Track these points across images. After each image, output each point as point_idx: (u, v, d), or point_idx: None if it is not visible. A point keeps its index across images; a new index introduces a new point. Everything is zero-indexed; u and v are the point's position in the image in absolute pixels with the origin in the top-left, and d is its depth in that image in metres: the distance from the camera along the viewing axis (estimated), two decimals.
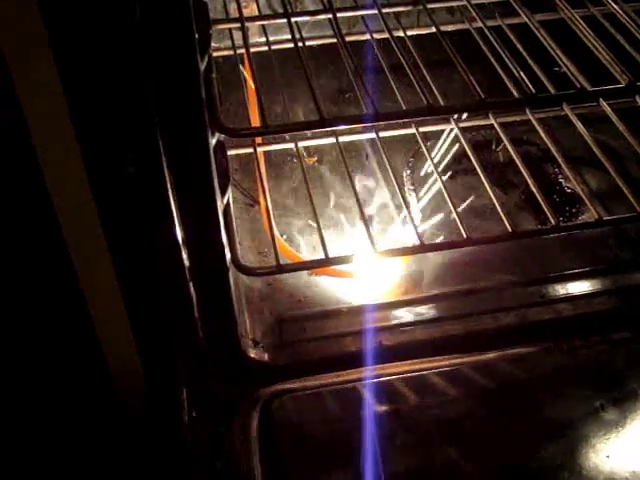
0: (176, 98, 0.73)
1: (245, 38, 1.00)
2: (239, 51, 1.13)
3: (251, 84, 1.13)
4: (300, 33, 1.13)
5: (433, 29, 1.07)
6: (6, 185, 0.72)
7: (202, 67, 0.75)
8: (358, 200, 1.04)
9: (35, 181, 0.69)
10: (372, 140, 1.26)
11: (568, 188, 1.35)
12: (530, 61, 1.11)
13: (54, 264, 0.78)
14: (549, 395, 1.01)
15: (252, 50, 1.00)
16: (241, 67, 1.14)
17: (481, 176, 1.07)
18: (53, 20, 0.61)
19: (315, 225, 1.00)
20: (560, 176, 1.37)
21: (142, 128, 0.72)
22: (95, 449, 0.95)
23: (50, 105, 0.66)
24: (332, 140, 1.19)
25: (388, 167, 1.09)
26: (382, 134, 1.18)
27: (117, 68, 0.67)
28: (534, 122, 1.15)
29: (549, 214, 1.00)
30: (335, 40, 1.06)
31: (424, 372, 1.04)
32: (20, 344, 0.87)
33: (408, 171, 1.36)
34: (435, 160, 1.17)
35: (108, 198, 0.74)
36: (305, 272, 1.19)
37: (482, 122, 1.26)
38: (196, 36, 0.70)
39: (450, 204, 1.02)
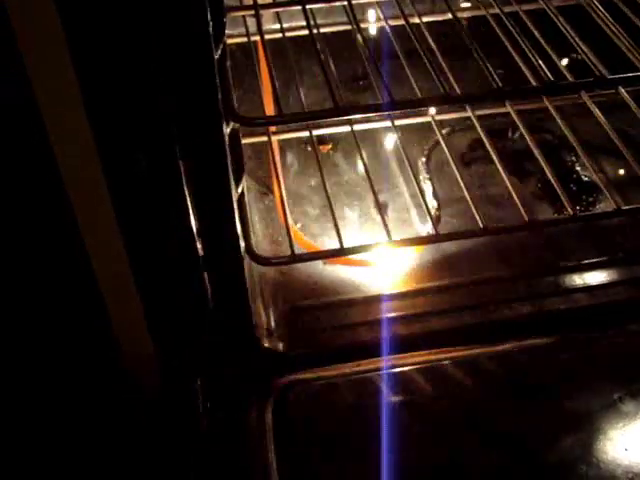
0: (190, 87, 0.72)
1: (259, 26, 0.99)
2: (253, 38, 1.13)
3: (265, 72, 1.12)
4: (314, 20, 1.12)
5: (449, 15, 1.06)
6: (20, 174, 0.72)
7: (217, 56, 0.75)
8: (373, 188, 1.03)
9: (50, 175, 0.69)
10: (387, 128, 1.25)
11: (585, 176, 1.33)
12: (547, 47, 1.10)
13: (69, 255, 0.78)
14: (566, 387, 1.00)
15: (266, 37, 1.00)
16: (255, 54, 1.13)
17: (497, 164, 1.06)
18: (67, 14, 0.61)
19: (329, 213, 1.00)
20: (577, 164, 1.36)
21: (156, 118, 0.72)
22: (110, 442, 0.95)
23: (63, 90, 0.66)
24: (347, 128, 1.18)
25: (403, 155, 1.08)
26: (397, 122, 1.17)
27: (131, 57, 0.66)
28: (551, 110, 1.14)
29: (566, 203, 0.99)
30: (349, 27, 1.05)
31: (440, 362, 1.04)
32: (38, 331, 0.87)
33: (423, 159, 1.35)
34: (451, 148, 1.16)
35: (122, 188, 0.74)
36: (319, 261, 1.18)
37: (498, 110, 1.25)
38: (211, 24, 0.70)
39: (466, 193, 1.01)
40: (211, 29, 0.70)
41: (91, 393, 0.94)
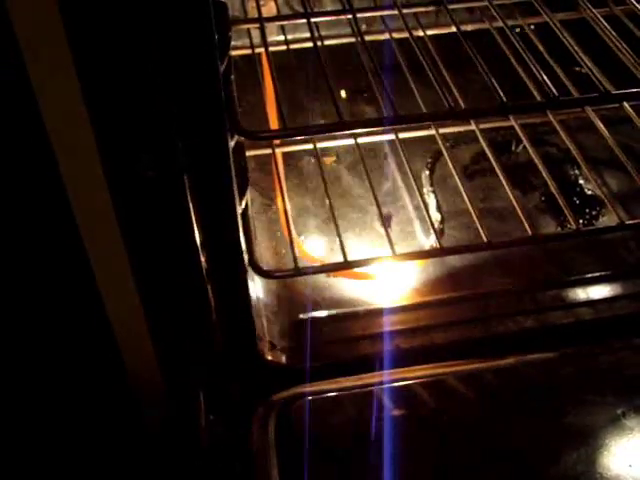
0: (195, 100, 0.72)
1: (264, 38, 0.99)
2: (257, 50, 1.13)
3: (269, 84, 1.12)
4: (319, 32, 1.12)
5: (453, 29, 1.07)
6: (25, 186, 0.72)
7: (222, 69, 0.75)
8: (377, 201, 1.03)
9: (55, 185, 0.69)
10: (391, 141, 1.25)
11: (589, 190, 1.33)
12: (551, 61, 1.10)
13: (73, 269, 0.78)
14: (569, 401, 1.00)
15: (270, 49, 1.00)
16: (259, 66, 1.13)
17: (500, 177, 1.06)
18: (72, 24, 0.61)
19: (333, 226, 0.99)
20: (580, 178, 1.36)
21: (161, 131, 0.72)
22: (113, 454, 0.95)
23: (69, 109, 0.66)
24: (351, 141, 1.19)
25: (407, 168, 1.08)
26: (401, 135, 1.17)
27: (137, 70, 0.66)
28: (555, 123, 1.14)
29: (570, 217, 0.99)
30: (354, 39, 1.06)
31: (442, 376, 1.04)
32: (43, 348, 0.87)
33: (427, 172, 1.35)
34: (454, 161, 1.16)
35: (127, 201, 0.74)
36: (323, 274, 1.18)
37: (502, 123, 1.25)
38: (216, 37, 0.70)
39: (469, 206, 1.01)
40: (216, 42, 0.70)
41: (92, 404, 0.94)
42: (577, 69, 1.12)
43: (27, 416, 0.94)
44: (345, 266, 0.94)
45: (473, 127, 1.16)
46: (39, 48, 0.62)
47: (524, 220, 0.98)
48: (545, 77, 0.97)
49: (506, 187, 1.04)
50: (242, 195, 0.90)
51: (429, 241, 1.23)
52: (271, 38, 1.20)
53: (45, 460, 0.95)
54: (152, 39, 0.65)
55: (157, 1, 0.64)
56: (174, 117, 0.71)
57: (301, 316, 1.13)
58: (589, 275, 1.19)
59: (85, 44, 0.62)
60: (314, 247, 1.24)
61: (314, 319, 1.12)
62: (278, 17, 1.14)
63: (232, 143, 0.83)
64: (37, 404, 0.92)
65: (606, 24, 1.08)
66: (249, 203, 0.95)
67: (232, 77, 0.86)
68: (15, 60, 0.61)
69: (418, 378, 1.03)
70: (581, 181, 1.35)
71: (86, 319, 0.83)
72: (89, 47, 0.63)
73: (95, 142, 0.69)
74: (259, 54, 1.12)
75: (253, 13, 1.08)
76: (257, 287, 1.12)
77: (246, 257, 0.92)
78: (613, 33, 1.06)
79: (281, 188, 1.08)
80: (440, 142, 1.15)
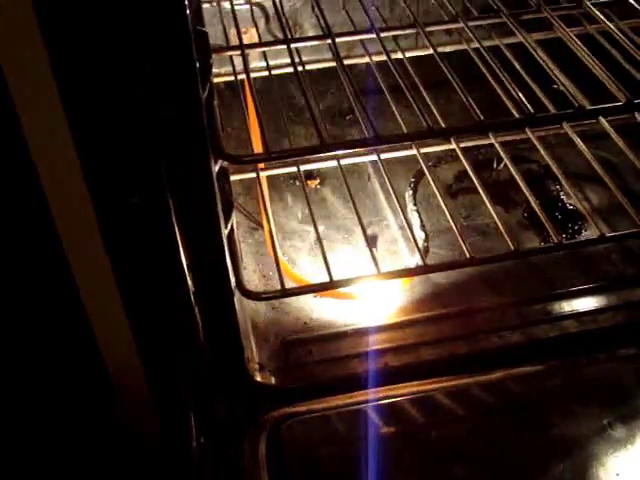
0: (178, 127, 0.74)
1: (246, 64, 1.01)
2: (240, 76, 1.14)
3: (252, 109, 1.14)
4: (300, 57, 1.14)
5: (431, 50, 1.08)
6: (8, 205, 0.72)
7: (204, 95, 0.76)
8: (361, 222, 1.05)
9: (39, 210, 0.70)
10: (374, 162, 1.27)
11: (570, 205, 1.35)
12: (528, 80, 1.12)
13: (60, 293, 0.78)
14: (556, 414, 1.01)
15: (252, 75, 1.01)
16: (242, 92, 1.15)
17: (482, 195, 1.08)
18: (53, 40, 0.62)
19: (319, 247, 1.01)
20: (562, 193, 1.38)
21: (145, 157, 0.73)
22: (103, 475, 0.95)
23: (52, 132, 0.67)
24: (334, 163, 1.20)
25: (390, 188, 1.10)
26: (383, 156, 1.19)
27: (119, 98, 0.67)
28: (534, 140, 1.16)
29: (551, 232, 1.00)
30: (334, 64, 1.07)
31: (430, 393, 1.04)
32: (28, 365, 0.88)
33: (410, 192, 1.37)
34: (437, 180, 1.17)
35: (112, 226, 0.75)
36: (310, 295, 1.19)
37: (482, 142, 1.26)
38: (197, 65, 0.71)
39: (452, 223, 1.02)
40: (198, 69, 0.71)
41: (78, 425, 0.94)
42: (554, 87, 1.14)
43: (13, 436, 0.94)
44: (331, 286, 0.95)
45: (454, 146, 1.18)
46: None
47: (506, 236, 1.00)
48: (521, 95, 0.99)
49: (488, 204, 1.05)
50: (227, 218, 0.91)
51: (414, 260, 1.24)
52: (253, 64, 1.22)
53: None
54: (134, 67, 0.66)
55: (139, 29, 0.65)
56: (157, 143, 0.73)
57: (289, 337, 1.14)
58: (573, 289, 1.20)
59: (67, 65, 0.64)
60: (300, 269, 1.25)
61: (303, 340, 1.13)
62: (259, 44, 1.16)
63: (216, 168, 0.84)
64: (22, 425, 0.92)
65: (580, 43, 1.10)
66: (234, 226, 0.96)
67: (215, 103, 0.87)
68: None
69: (407, 395, 1.04)
70: (562, 196, 1.37)
71: (73, 340, 0.84)
72: (72, 71, 0.64)
73: (81, 169, 0.69)
74: (242, 80, 1.14)
75: (235, 41, 1.09)
76: (245, 309, 1.13)
77: (233, 279, 0.93)
78: (587, 51, 1.08)
79: (266, 211, 1.09)
80: (422, 162, 1.16)
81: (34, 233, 0.74)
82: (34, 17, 0.59)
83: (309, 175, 1.41)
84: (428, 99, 1.14)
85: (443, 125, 1.05)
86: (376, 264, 0.97)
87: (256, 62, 1.26)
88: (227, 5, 1.22)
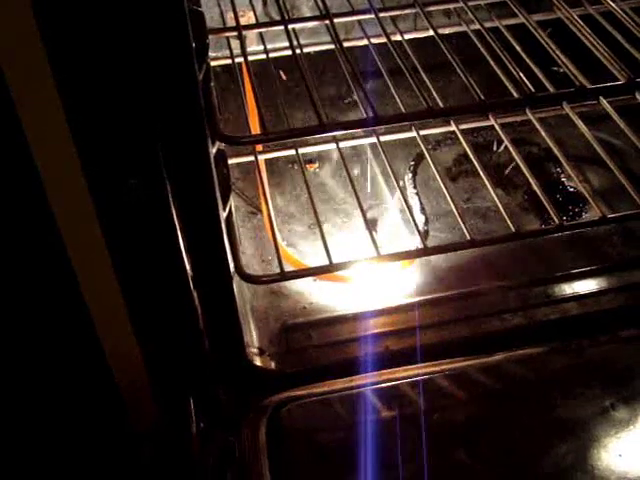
0: (175, 108, 0.73)
1: (243, 46, 1.00)
2: (237, 60, 1.13)
3: (250, 92, 1.13)
4: (298, 40, 1.13)
5: (431, 32, 1.07)
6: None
7: (200, 76, 0.75)
8: (360, 205, 1.04)
9: (35, 193, 0.69)
10: (373, 144, 1.26)
11: (571, 187, 1.34)
12: (529, 61, 1.11)
13: (58, 281, 0.78)
14: (558, 395, 1.01)
15: (250, 58, 1.00)
16: (239, 75, 1.14)
17: (483, 177, 1.07)
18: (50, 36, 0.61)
19: (318, 231, 1.00)
20: (562, 175, 1.37)
21: (142, 139, 0.72)
22: (103, 462, 0.95)
23: (48, 115, 0.66)
24: (333, 146, 1.19)
25: (390, 171, 1.09)
26: (383, 138, 1.18)
27: (116, 77, 0.67)
28: (534, 122, 1.15)
29: (552, 214, 0.99)
30: (333, 46, 1.06)
31: (432, 376, 1.04)
32: (28, 354, 0.87)
33: (410, 174, 1.36)
34: (437, 163, 1.16)
35: (110, 210, 0.74)
36: (309, 279, 1.19)
37: (483, 123, 1.25)
38: (193, 45, 0.70)
39: (453, 206, 1.02)
40: (194, 49, 0.70)
41: (78, 411, 0.94)
42: (555, 69, 1.13)
43: (13, 425, 0.93)
44: (330, 269, 0.95)
45: (453, 128, 1.17)
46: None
47: (507, 218, 0.99)
48: (522, 76, 0.98)
49: (489, 187, 1.05)
50: (225, 201, 0.90)
51: (414, 243, 1.23)
52: (251, 48, 1.21)
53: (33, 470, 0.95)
54: (131, 47, 0.65)
55: (135, 9, 0.64)
56: (154, 125, 0.72)
57: (289, 321, 1.13)
58: (574, 271, 1.20)
59: (62, 48, 0.63)
60: (300, 253, 1.25)
61: (302, 324, 1.13)
62: (256, 25, 1.15)
63: (213, 150, 0.83)
64: (18, 409, 0.92)
65: (582, 23, 1.09)
66: (233, 210, 0.96)
67: (212, 85, 0.86)
68: None
69: (408, 378, 1.04)
70: (563, 178, 1.36)
71: (71, 327, 0.83)
72: (67, 54, 0.63)
73: (77, 153, 0.69)
74: (239, 64, 1.13)
75: (232, 24, 1.08)
76: (244, 294, 1.13)
77: (232, 264, 0.92)
78: (589, 31, 1.07)
79: (265, 194, 1.08)
80: (422, 144, 1.15)
81: (30, 216, 0.73)
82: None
83: (308, 159, 1.40)
84: (428, 81, 1.13)
85: (442, 106, 1.04)
86: (376, 247, 0.96)
87: (253, 46, 1.25)
88: None
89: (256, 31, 1.13)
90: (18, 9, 0.59)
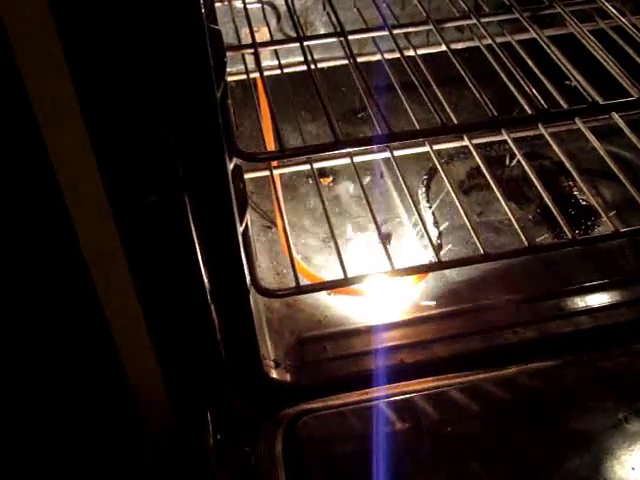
0: (194, 125, 0.74)
1: (258, 63, 1.01)
2: (252, 75, 1.15)
3: (265, 107, 1.14)
4: (312, 55, 1.14)
5: (443, 47, 1.09)
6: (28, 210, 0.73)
7: (218, 94, 0.77)
8: (375, 219, 1.05)
9: (59, 208, 0.71)
10: (387, 159, 1.27)
11: (583, 201, 1.35)
12: (541, 76, 1.12)
13: (79, 293, 0.79)
14: (571, 409, 1.01)
15: (265, 73, 1.02)
16: (254, 91, 1.15)
17: (496, 191, 1.08)
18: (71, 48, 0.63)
19: (333, 245, 1.01)
20: (575, 189, 1.38)
21: (161, 156, 0.73)
22: (122, 473, 0.96)
23: (70, 134, 0.67)
24: (347, 161, 1.20)
25: (403, 185, 1.10)
26: (396, 153, 1.19)
27: (136, 96, 0.68)
28: (547, 136, 1.15)
29: (565, 227, 1.00)
30: (346, 61, 1.08)
31: (445, 389, 1.05)
32: (49, 370, 0.88)
33: (423, 188, 1.37)
34: (450, 177, 1.17)
35: (130, 225, 0.75)
36: (324, 292, 1.20)
37: (495, 138, 1.26)
38: (212, 63, 0.72)
39: (466, 220, 1.02)
40: (212, 67, 0.72)
41: (102, 436, 0.95)
42: (567, 83, 1.14)
43: (29, 431, 0.94)
44: (345, 283, 0.96)
45: (466, 142, 1.18)
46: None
47: (520, 232, 0.99)
48: (535, 91, 0.99)
49: (502, 200, 1.05)
50: (242, 216, 0.91)
51: (428, 257, 1.24)
52: (265, 63, 1.22)
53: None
54: (152, 66, 0.67)
55: (155, 28, 0.65)
56: (174, 142, 0.73)
57: (305, 334, 1.14)
58: (587, 284, 1.20)
59: (85, 68, 0.64)
60: (314, 266, 1.26)
61: (317, 337, 1.14)
62: (272, 42, 1.16)
63: (231, 166, 0.84)
64: (38, 417, 0.93)
65: (593, 38, 1.10)
66: (249, 224, 0.97)
67: (229, 102, 0.87)
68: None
69: (422, 391, 1.04)
70: (575, 192, 1.37)
71: (91, 339, 0.84)
72: (89, 72, 0.65)
73: (98, 169, 0.70)
74: (254, 79, 1.14)
75: (247, 40, 1.09)
76: (260, 307, 1.14)
77: (248, 277, 0.93)
78: (600, 46, 1.08)
79: (280, 208, 1.09)
80: (435, 159, 1.16)
81: (50, 229, 0.74)
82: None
83: (322, 173, 1.41)
84: (440, 96, 1.14)
85: (455, 122, 1.05)
86: (390, 261, 0.97)
87: (267, 61, 1.27)
88: (238, 4, 1.23)
89: (272, 48, 1.15)
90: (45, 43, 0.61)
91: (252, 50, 1.04)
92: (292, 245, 1.03)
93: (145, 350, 0.85)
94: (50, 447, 0.95)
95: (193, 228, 0.80)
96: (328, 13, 1.20)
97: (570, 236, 0.99)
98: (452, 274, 1.22)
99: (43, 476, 0.97)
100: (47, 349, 0.86)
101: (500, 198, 1.06)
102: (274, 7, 1.42)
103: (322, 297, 1.20)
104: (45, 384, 0.90)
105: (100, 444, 0.95)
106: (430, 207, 1.33)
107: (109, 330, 0.82)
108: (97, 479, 0.97)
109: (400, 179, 1.11)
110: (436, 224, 1.30)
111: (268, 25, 1.27)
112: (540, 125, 1.17)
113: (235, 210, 0.85)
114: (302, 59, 1.05)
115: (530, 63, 1.14)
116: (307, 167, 1.21)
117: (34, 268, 0.78)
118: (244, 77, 1.16)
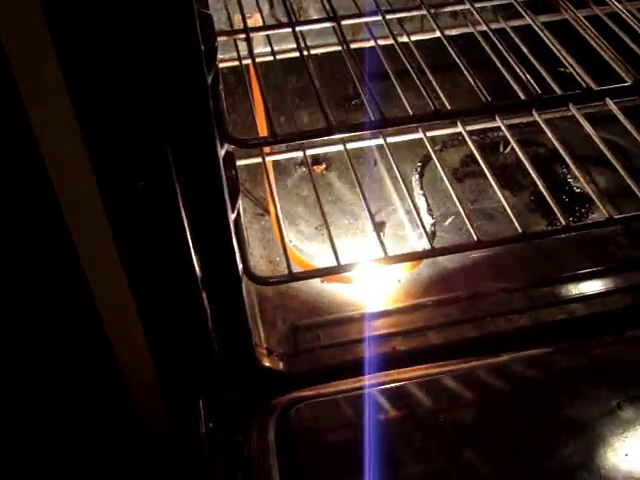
0: (184, 111, 0.73)
1: (250, 49, 1.01)
2: (245, 61, 1.14)
3: (257, 94, 1.13)
4: (305, 42, 1.13)
5: (437, 33, 1.08)
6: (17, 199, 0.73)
7: (209, 79, 0.76)
8: (368, 206, 1.04)
9: (46, 195, 0.70)
10: (380, 146, 1.26)
11: (577, 188, 1.35)
12: (535, 62, 1.11)
13: (69, 282, 0.78)
14: (565, 395, 1.01)
15: (257, 60, 1.01)
16: (247, 77, 1.14)
17: (490, 178, 1.07)
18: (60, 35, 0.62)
19: (326, 232, 1.00)
20: (569, 176, 1.37)
21: (151, 141, 0.73)
22: (113, 462, 0.95)
23: (59, 117, 0.67)
24: (340, 147, 1.20)
25: (397, 172, 1.09)
26: (390, 140, 1.18)
27: (125, 80, 0.67)
28: (541, 123, 1.15)
29: (559, 214, 1.00)
30: (340, 48, 1.07)
31: (439, 376, 1.04)
32: (40, 367, 0.88)
33: (417, 175, 1.37)
34: (443, 164, 1.17)
35: (119, 212, 0.75)
36: (317, 280, 1.19)
37: (489, 124, 1.26)
38: (202, 48, 0.71)
39: (460, 207, 1.02)
40: (203, 52, 0.71)
41: (95, 425, 0.95)
42: (561, 69, 1.14)
43: (27, 432, 0.94)
44: (338, 270, 0.95)
45: (460, 129, 1.17)
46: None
47: (514, 219, 0.99)
48: (529, 77, 0.99)
49: (495, 188, 1.05)
50: (234, 203, 0.91)
51: (421, 244, 1.24)
52: (258, 49, 1.21)
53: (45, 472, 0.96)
54: (141, 50, 0.66)
55: (144, 12, 0.65)
56: (164, 127, 0.72)
57: (297, 322, 1.14)
58: (581, 271, 1.20)
59: (73, 55, 0.64)
60: (307, 254, 1.25)
61: (310, 324, 1.13)
62: (264, 27, 1.15)
63: (222, 152, 0.84)
64: (36, 417, 0.93)
65: (588, 24, 1.09)
66: (241, 211, 0.96)
67: (220, 87, 0.87)
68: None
69: (415, 378, 1.04)
70: (569, 179, 1.37)
71: (82, 329, 0.84)
72: (78, 60, 0.64)
73: (87, 154, 0.69)
74: (247, 65, 1.13)
75: (239, 25, 1.08)
76: (252, 295, 1.13)
77: (240, 265, 0.93)
78: (595, 33, 1.07)
79: (272, 195, 1.09)
80: (428, 145, 1.16)
81: (40, 218, 0.74)
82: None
83: (315, 160, 1.41)
84: (434, 82, 1.13)
85: (449, 107, 1.05)
86: (383, 248, 0.97)
87: (260, 48, 1.26)
88: None
89: (264, 33, 1.14)
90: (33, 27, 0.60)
91: (244, 35, 1.03)
92: (285, 232, 1.03)
93: (137, 337, 0.85)
94: (50, 447, 0.95)
95: (184, 215, 0.80)
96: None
97: (564, 223, 0.99)
98: (445, 261, 1.22)
99: (43, 476, 0.96)
100: (38, 340, 0.86)
101: (494, 185, 1.06)
102: None
103: (315, 285, 1.19)
104: (43, 383, 0.90)
105: (98, 444, 0.95)
106: (424, 194, 1.33)
107: (100, 319, 0.82)
108: (89, 469, 0.96)
109: (394, 166, 1.10)
110: (430, 211, 1.29)
111: (261, 11, 1.26)
112: (534, 111, 1.17)
113: (227, 197, 0.84)
114: (295, 45, 1.04)
115: (524, 50, 1.13)
116: (300, 154, 1.20)
117: (22, 254, 0.77)
118: (236, 64, 1.15)
